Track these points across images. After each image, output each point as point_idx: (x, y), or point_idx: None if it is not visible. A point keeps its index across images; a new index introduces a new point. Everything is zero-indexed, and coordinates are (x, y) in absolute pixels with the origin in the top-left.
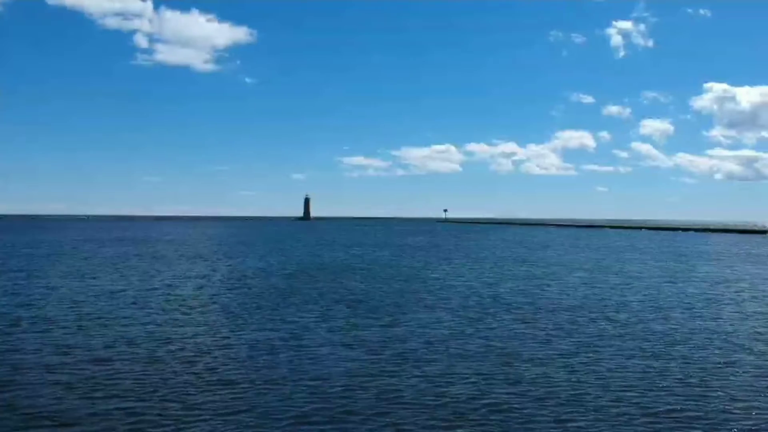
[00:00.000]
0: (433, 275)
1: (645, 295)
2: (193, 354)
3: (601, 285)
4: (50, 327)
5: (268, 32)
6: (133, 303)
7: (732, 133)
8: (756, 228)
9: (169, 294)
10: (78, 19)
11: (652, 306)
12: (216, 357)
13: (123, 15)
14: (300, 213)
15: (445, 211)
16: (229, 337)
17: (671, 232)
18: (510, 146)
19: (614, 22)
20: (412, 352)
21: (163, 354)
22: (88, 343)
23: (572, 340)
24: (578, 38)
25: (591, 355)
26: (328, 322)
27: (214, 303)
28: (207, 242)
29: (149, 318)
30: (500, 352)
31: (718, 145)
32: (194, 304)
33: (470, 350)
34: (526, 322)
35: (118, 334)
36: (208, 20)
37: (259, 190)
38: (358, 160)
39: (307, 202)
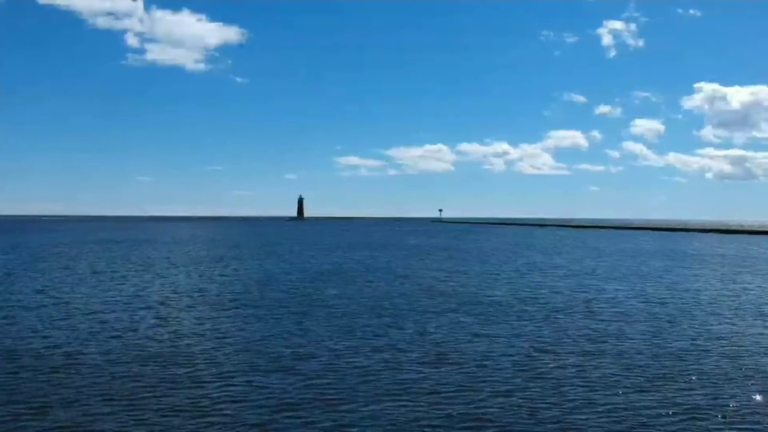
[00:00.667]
0: (453, 285)
1: (722, 318)
2: (187, 418)
3: (661, 301)
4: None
5: (259, 32)
6: (115, 331)
7: (722, 132)
8: (763, 229)
9: (157, 317)
10: (68, 18)
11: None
12: (220, 419)
13: (114, 15)
14: (294, 213)
15: (440, 211)
16: (234, 386)
17: (675, 233)
18: (502, 146)
19: (605, 22)
20: (483, 411)
21: (149, 415)
22: (46, 394)
23: (707, 395)
24: (570, 38)
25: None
26: (356, 359)
27: (211, 331)
28: (199, 245)
29: (131, 353)
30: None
31: (709, 144)
32: (186, 329)
33: (569, 415)
34: (613, 363)
35: (88, 384)
36: (199, 20)
37: (253, 189)
38: (351, 159)
39: (300, 202)
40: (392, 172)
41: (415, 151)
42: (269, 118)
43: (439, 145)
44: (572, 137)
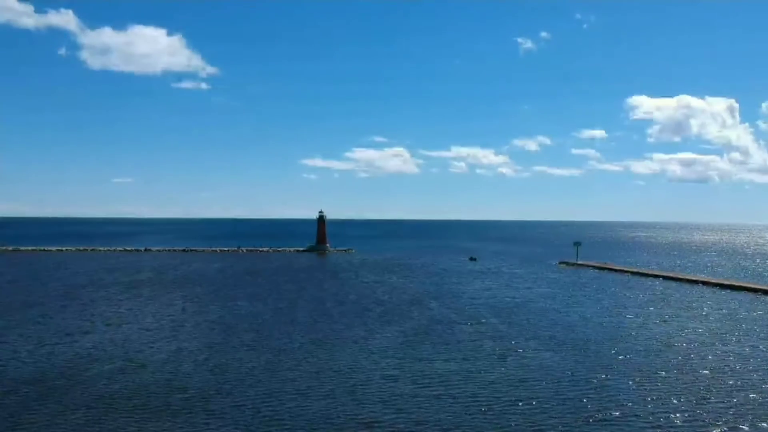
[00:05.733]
0: None
1: None
2: None
3: None
4: None
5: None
6: None
7: (672, 138)
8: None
9: None
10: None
11: None
12: None
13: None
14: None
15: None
16: None
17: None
18: (466, 150)
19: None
20: None
21: None
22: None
23: None
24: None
25: None
26: None
27: None
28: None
29: None
30: None
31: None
32: None
33: None
34: None
35: None
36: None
37: (216, 191)
38: (316, 162)
39: (321, 219)
40: (362, 174)
41: (378, 153)
42: (236, 125)
43: (401, 149)
44: (532, 142)
